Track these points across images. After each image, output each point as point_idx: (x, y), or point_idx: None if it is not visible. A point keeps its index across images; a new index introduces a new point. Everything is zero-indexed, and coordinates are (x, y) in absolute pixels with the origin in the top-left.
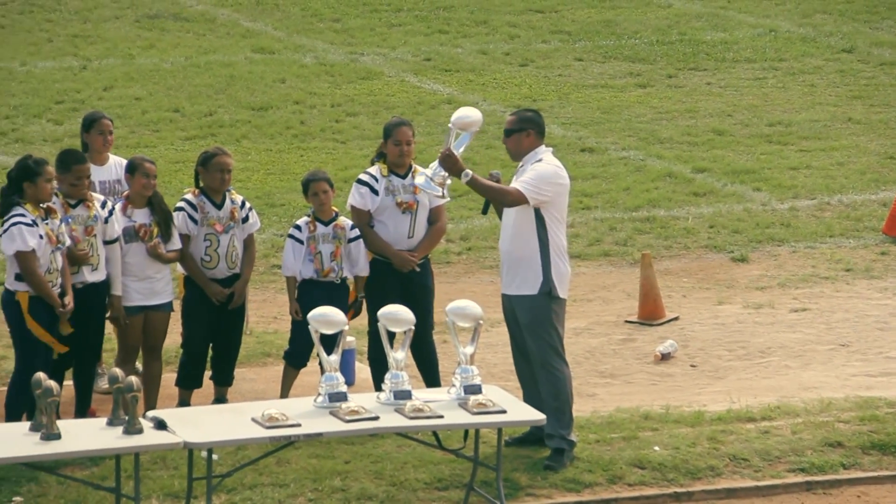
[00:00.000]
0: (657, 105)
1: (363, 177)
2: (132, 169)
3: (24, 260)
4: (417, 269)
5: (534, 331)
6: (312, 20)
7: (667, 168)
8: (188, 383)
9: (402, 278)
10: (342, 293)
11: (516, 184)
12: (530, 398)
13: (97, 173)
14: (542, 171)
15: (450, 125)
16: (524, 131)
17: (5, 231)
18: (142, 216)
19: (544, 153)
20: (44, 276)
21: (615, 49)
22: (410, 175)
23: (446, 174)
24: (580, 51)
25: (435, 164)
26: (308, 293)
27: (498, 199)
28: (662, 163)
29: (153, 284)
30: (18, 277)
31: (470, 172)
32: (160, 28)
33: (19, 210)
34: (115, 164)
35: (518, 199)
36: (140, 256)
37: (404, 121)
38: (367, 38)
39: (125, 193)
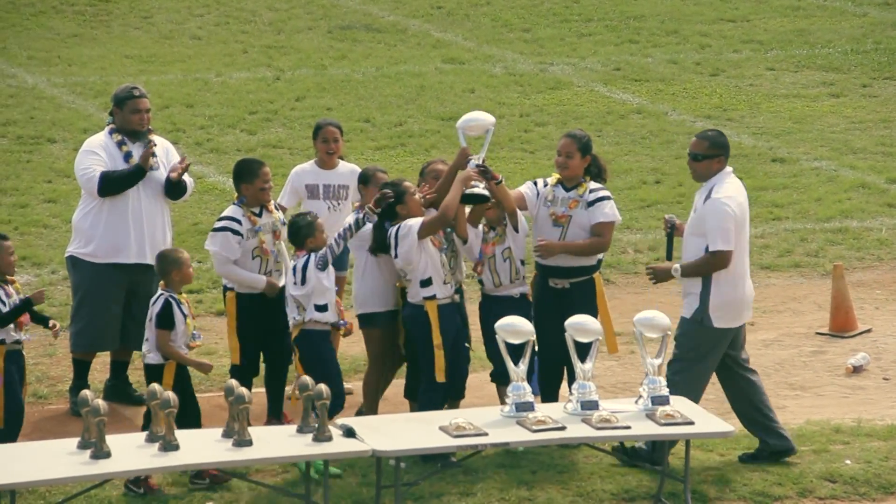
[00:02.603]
0: (851, 115)
1: (539, 179)
2: (366, 180)
3: None
4: None
5: (677, 350)
6: (502, 30)
7: (860, 178)
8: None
9: (558, 294)
10: (524, 307)
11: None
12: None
13: (322, 177)
14: (722, 215)
15: (458, 128)
16: (716, 158)
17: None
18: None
19: (726, 177)
20: None
21: (808, 58)
22: (576, 190)
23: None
24: (772, 60)
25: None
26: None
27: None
28: (855, 173)
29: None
30: (424, 283)
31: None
32: (352, 39)
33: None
34: (346, 170)
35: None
36: (383, 264)
37: (571, 132)
38: (557, 47)
39: (358, 203)
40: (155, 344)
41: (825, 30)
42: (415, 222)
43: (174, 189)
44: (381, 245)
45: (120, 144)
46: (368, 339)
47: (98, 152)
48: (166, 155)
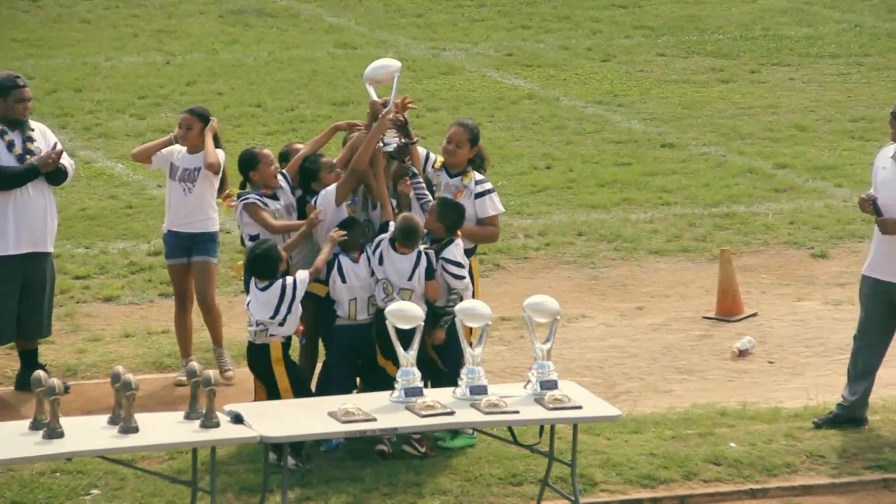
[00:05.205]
0: (739, 101)
1: (431, 154)
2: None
3: None
4: None
5: None
6: (395, 15)
7: (748, 164)
8: None
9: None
10: None
11: None
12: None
13: (184, 160)
14: None
15: (366, 80)
16: None
17: None
18: None
19: None
20: None
21: (698, 44)
22: (461, 178)
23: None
24: (663, 46)
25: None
26: None
27: None
28: (743, 158)
29: None
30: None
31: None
32: (244, 23)
33: None
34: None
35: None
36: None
37: (462, 121)
38: (449, 33)
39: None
40: None
41: (715, 16)
42: (332, 187)
43: (54, 176)
44: (302, 217)
45: (2, 134)
46: None
47: None
48: (44, 139)
